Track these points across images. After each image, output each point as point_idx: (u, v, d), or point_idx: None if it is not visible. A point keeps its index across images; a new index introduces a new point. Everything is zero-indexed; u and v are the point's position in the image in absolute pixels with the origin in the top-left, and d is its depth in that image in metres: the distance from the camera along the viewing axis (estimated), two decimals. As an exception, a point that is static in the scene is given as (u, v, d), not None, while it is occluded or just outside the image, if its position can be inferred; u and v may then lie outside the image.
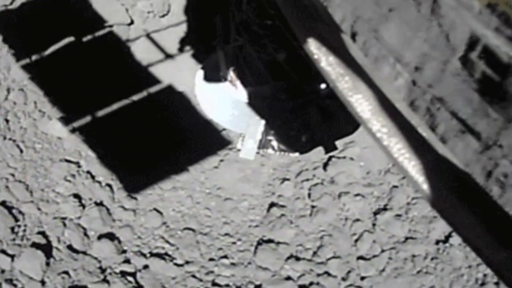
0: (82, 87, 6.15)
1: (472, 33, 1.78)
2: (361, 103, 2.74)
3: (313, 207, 5.87)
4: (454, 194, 2.42)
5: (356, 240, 5.78)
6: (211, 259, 5.69)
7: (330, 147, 5.78)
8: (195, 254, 5.65)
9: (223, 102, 5.97)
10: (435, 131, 2.08)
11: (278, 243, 5.79)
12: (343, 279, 5.71)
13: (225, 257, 5.72)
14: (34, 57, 6.32)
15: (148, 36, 6.48)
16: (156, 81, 6.29)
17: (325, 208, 5.85)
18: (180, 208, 5.78)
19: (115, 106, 6.12)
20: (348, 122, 5.63)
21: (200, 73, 6.18)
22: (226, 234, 5.77)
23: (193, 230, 5.72)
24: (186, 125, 5.99)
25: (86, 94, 6.10)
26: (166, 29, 6.41)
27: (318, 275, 5.69)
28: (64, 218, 5.61)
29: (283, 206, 5.89)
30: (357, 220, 5.84)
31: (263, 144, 5.80)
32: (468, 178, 2.11)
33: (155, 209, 5.72)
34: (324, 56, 2.90)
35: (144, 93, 6.21)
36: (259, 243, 5.76)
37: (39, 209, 5.62)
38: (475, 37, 1.77)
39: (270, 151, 5.78)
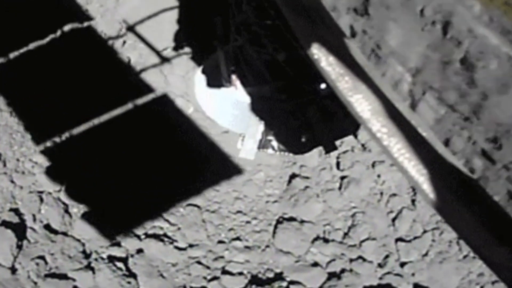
0: (61, 93, 5.47)
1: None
2: (361, 103, 2.74)
3: (342, 178, 5.14)
4: (454, 194, 2.42)
5: (394, 219, 5.01)
6: (220, 242, 4.88)
7: (330, 147, 5.78)
8: (200, 235, 4.87)
9: (223, 102, 5.97)
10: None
11: (302, 221, 4.97)
12: (380, 265, 4.92)
13: (238, 239, 4.89)
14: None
15: (139, 37, 6.00)
16: (147, 85, 5.86)
17: (357, 180, 5.10)
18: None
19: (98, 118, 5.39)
20: (348, 122, 5.63)
21: (200, 74, 6.18)
22: (239, 212, 4.99)
23: (198, 206, 5.00)
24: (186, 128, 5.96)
25: (65, 103, 5.41)
26: (159, 26, 6.15)
27: (351, 260, 4.82)
28: (41, 192, 4.93)
29: (306, 178, 5.11)
30: (394, 195, 5.10)
31: (263, 144, 5.80)
32: (468, 178, 2.11)
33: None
34: (324, 56, 2.90)
35: (136, 101, 5.63)
36: (278, 222, 4.95)
37: (12, 181, 4.96)
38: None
39: (270, 151, 5.77)
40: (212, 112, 6.00)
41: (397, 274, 4.87)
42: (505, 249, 2.25)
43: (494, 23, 1.69)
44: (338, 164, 5.26)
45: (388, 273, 4.87)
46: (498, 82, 1.74)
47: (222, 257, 4.83)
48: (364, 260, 4.91)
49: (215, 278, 4.89)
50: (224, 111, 5.97)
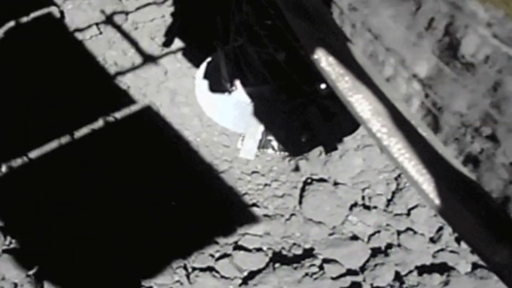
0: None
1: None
2: (361, 103, 2.74)
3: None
4: (454, 194, 2.42)
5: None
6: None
7: (330, 147, 5.78)
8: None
9: (223, 102, 5.97)
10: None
11: (336, 184, 4.17)
12: (432, 240, 4.10)
13: (255, 205, 4.09)
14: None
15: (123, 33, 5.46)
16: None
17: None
18: (184, 133, 4.26)
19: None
20: (348, 122, 5.63)
21: (200, 74, 6.18)
22: (255, 172, 4.30)
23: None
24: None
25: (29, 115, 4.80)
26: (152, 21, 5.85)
27: (399, 232, 4.01)
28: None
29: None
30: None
31: (263, 144, 5.80)
32: (468, 179, 2.11)
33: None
34: (324, 56, 2.90)
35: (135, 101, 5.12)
36: (306, 184, 4.17)
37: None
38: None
39: (270, 151, 5.77)
40: (212, 112, 6.01)
41: (452, 251, 4.08)
42: (505, 249, 2.25)
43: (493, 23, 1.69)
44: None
45: (442, 249, 4.09)
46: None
47: (234, 228, 3.99)
48: (415, 232, 4.08)
49: (225, 255, 4.07)
50: (224, 111, 5.97)
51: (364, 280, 3.99)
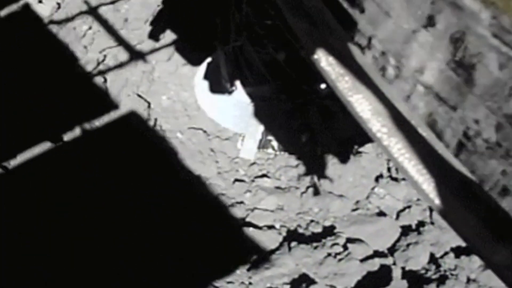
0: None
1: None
2: (361, 103, 2.75)
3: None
4: (454, 193, 2.42)
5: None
6: (238, 181, 3.80)
7: (330, 147, 5.77)
8: (208, 170, 3.76)
9: (223, 102, 5.97)
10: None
11: (358, 152, 3.78)
12: None
13: (265, 176, 3.79)
14: None
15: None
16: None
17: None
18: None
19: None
20: (348, 122, 5.62)
21: (200, 74, 6.18)
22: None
23: (203, 130, 4.05)
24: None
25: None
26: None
27: (431, 209, 3.50)
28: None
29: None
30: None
31: (263, 144, 5.80)
32: (468, 179, 2.11)
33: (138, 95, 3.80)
34: (324, 56, 2.90)
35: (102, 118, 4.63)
36: (325, 152, 3.65)
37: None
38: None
39: (270, 151, 5.77)
40: (212, 112, 6.01)
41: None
42: (505, 249, 2.26)
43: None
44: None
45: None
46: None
47: (240, 202, 3.62)
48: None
49: (230, 234, 3.66)
50: (224, 111, 5.97)
51: (394, 263, 3.54)
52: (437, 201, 2.47)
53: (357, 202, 3.57)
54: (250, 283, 3.51)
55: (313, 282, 3.43)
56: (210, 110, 6.03)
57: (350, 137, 5.75)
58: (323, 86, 5.59)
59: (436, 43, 1.95)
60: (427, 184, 2.51)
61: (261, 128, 5.86)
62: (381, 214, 3.51)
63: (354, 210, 3.56)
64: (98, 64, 5.06)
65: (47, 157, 5.44)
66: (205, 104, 6.06)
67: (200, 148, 5.49)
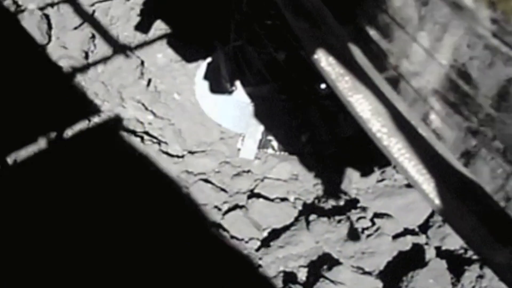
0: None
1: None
2: (361, 103, 2.75)
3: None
4: (454, 193, 2.42)
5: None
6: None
7: (330, 148, 5.78)
8: (207, 135, 3.22)
9: (223, 102, 5.97)
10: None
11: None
12: None
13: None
14: None
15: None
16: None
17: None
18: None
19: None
20: (348, 122, 5.62)
21: (200, 74, 6.19)
22: None
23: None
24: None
25: None
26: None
27: None
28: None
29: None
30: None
31: (263, 144, 5.80)
32: (468, 179, 2.11)
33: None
34: (324, 56, 2.91)
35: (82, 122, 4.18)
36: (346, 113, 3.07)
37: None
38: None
39: (270, 151, 5.77)
40: (212, 112, 6.01)
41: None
42: (505, 249, 2.26)
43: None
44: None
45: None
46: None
47: (248, 171, 3.11)
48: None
49: (236, 206, 3.35)
50: (224, 111, 5.98)
51: (427, 243, 3.14)
52: (437, 201, 2.47)
53: (383, 172, 3.14)
54: (259, 266, 2.99)
55: (337, 262, 2.97)
56: (210, 110, 6.04)
57: (350, 136, 5.77)
58: (323, 86, 5.59)
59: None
60: (427, 184, 2.51)
61: (261, 128, 5.86)
62: (410, 186, 2.93)
63: (379, 181, 3.16)
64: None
65: (46, 157, 5.45)
66: (205, 104, 6.07)
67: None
